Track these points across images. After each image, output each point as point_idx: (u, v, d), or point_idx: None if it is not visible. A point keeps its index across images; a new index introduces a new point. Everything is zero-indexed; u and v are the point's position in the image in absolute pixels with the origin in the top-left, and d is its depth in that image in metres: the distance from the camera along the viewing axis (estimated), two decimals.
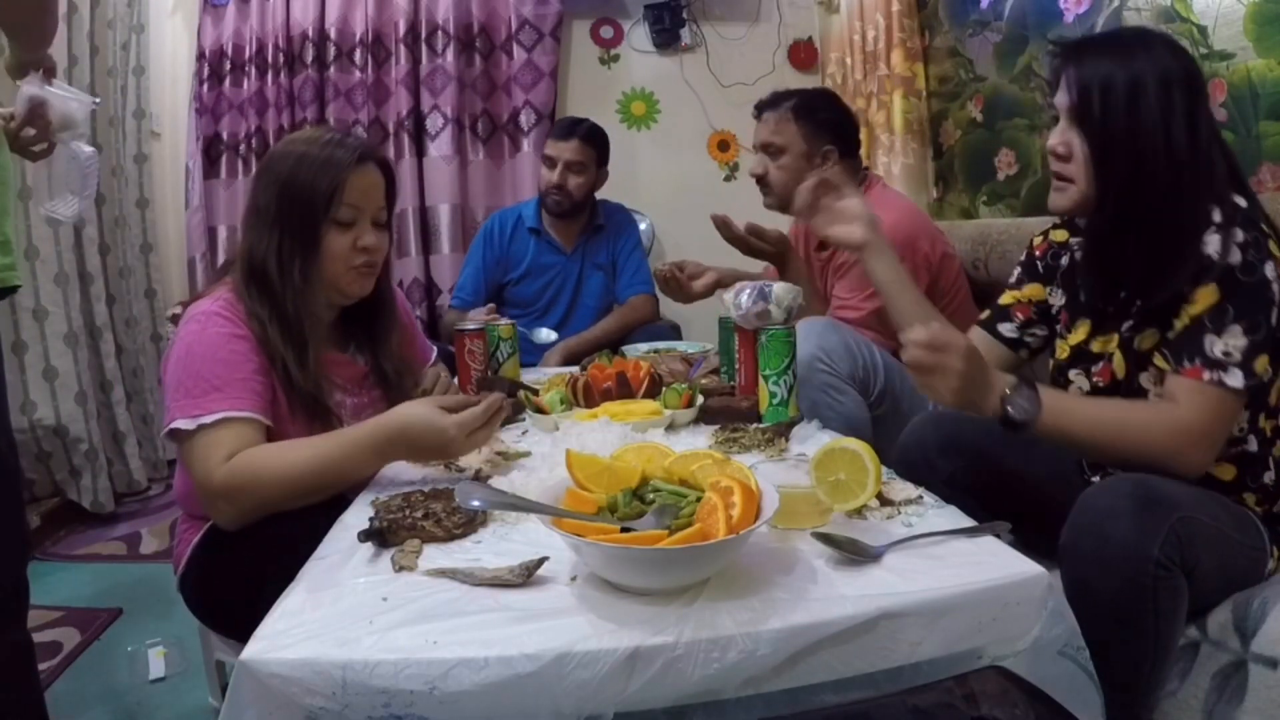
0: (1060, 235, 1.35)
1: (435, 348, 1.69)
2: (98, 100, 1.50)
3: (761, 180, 1.97)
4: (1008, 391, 1.08)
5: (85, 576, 2.19)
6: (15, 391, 2.48)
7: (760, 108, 1.99)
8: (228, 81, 3.25)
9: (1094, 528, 0.96)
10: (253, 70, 3.22)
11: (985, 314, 1.41)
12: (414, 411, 1.10)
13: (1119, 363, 1.17)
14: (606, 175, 2.54)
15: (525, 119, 3.30)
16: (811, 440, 1.23)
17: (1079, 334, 1.24)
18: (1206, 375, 1.03)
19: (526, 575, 0.80)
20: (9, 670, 1.11)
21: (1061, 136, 1.16)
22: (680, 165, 3.49)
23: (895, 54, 2.94)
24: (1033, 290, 1.36)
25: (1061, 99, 1.16)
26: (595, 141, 2.47)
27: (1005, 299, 1.39)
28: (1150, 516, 0.94)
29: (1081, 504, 0.99)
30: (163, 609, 1.91)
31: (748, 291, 1.47)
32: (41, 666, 1.71)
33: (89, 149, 1.48)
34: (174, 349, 1.19)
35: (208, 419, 1.11)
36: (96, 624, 1.90)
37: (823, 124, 1.93)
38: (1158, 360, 1.11)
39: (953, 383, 1.07)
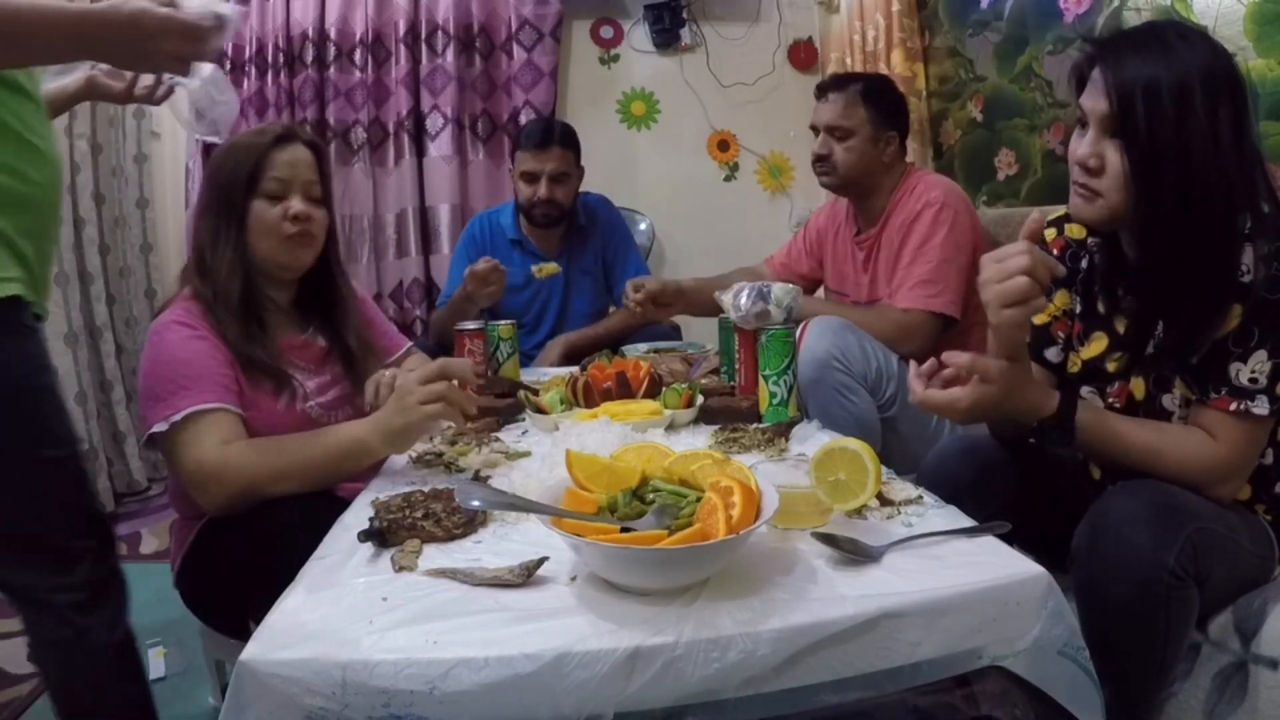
0: (1077, 231, 1.22)
1: (409, 342, 1.66)
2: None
3: (824, 160, 1.94)
4: (1043, 424, 1.06)
5: None
6: None
7: (824, 89, 1.97)
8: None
9: (1111, 532, 0.95)
10: (253, 70, 3.22)
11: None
12: None
13: (1137, 384, 1.12)
14: (583, 172, 2.40)
15: (525, 119, 3.30)
16: (811, 440, 1.23)
17: (1094, 348, 1.17)
18: (1234, 405, 1.00)
19: (526, 575, 0.80)
20: (105, 670, 1.12)
21: (1093, 148, 1.03)
22: (680, 165, 3.49)
23: (895, 54, 2.94)
24: (1061, 299, 1.22)
25: (1094, 104, 1.02)
26: (573, 143, 2.35)
27: (1039, 318, 1.22)
28: (1168, 525, 0.93)
29: (1099, 507, 0.98)
30: (163, 609, 1.91)
31: (747, 292, 1.47)
32: None
33: (206, 70, 1.47)
34: (140, 364, 1.23)
35: (177, 416, 1.14)
36: None
37: (887, 110, 1.93)
38: (1179, 386, 1.07)
39: (960, 418, 1.06)
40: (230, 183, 1.29)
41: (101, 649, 1.10)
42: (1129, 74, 0.99)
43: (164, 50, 0.99)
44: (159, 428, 1.15)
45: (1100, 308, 1.17)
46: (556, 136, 2.30)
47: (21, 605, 1.08)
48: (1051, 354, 1.24)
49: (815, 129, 1.97)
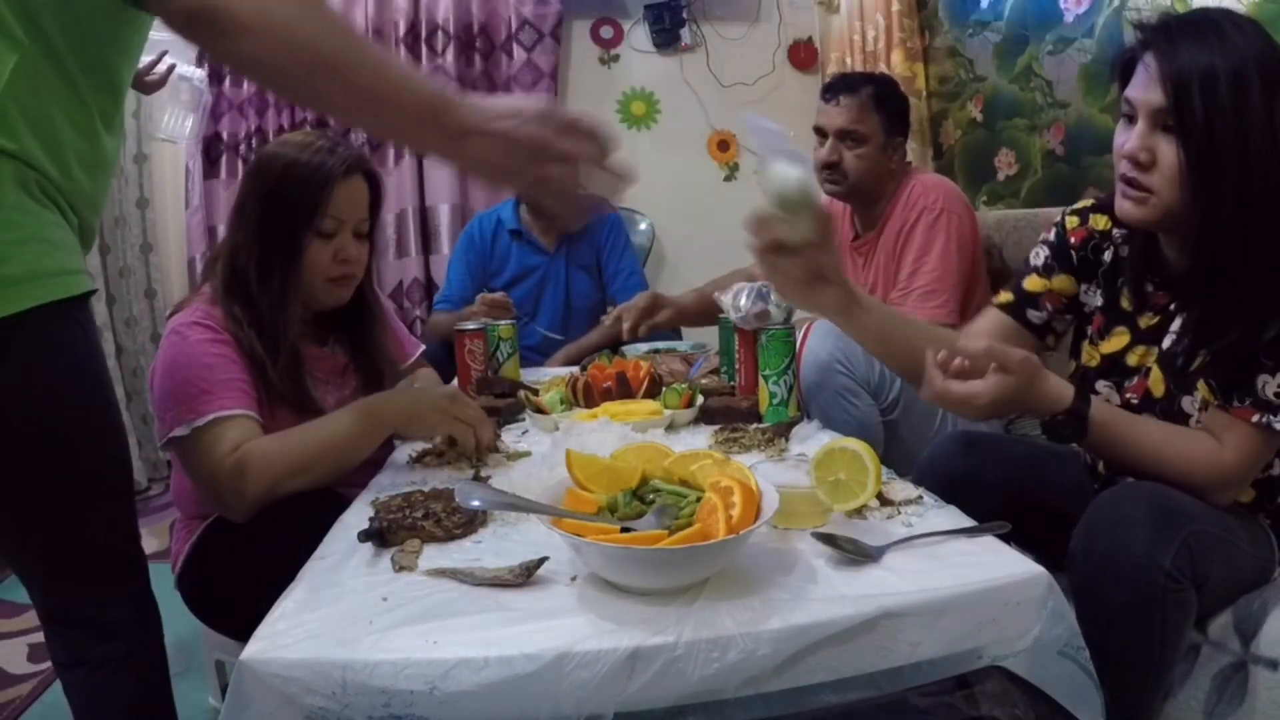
0: (1101, 222, 1.18)
1: (423, 346, 1.68)
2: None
3: (834, 167, 1.88)
4: (1056, 417, 1.04)
5: None
6: None
7: (834, 90, 1.89)
8: (228, 81, 3.25)
9: (1108, 534, 0.95)
10: None
11: (1007, 297, 1.25)
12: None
13: (1156, 380, 1.10)
14: None
15: None
16: (811, 440, 1.23)
17: (1114, 343, 1.15)
18: (1256, 417, 0.98)
19: (526, 575, 0.80)
20: (150, 688, 1.06)
21: (1142, 141, 0.98)
22: (680, 165, 3.49)
23: (895, 54, 2.94)
24: (1063, 283, 1.21)
25: (1145, 95, 0.97)
26: None
27: (1032, 285, 1.22)
28: (1165, 528, 0.93)
29: (1095, 510, 0.98)
30: (162, 609, 1.91)
31: (746, 292, 1.47)
32: (43, 666, 1.72)
33: (199, 75, 1.62)
34: (157, 364, 1.21)
35: (200, 421, 1.13)
36: None
37: (896, 115, 1.90)
38: (1202, 388, 1.04)
39: (979, 414, 1.02)
40: (290, 210, 1.25)
41: (148, 666, 1.04)
42: (1183, 63, 0.94)
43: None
44: (179, 431, 1.13)
45: (1125, 303, 1.15)
46: None
47: (63, 629, 0.98)
48: (1033, 315, 1.23)
49: (821, 132, 1.91)
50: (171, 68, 1.58)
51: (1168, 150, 0.97)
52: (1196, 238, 1.00)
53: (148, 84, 1.57)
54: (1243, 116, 0.92)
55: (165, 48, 1.57)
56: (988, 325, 1.26)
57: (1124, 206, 1.03)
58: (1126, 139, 1.00)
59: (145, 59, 1.56)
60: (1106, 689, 0.86)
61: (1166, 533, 0.92)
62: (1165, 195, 0.98)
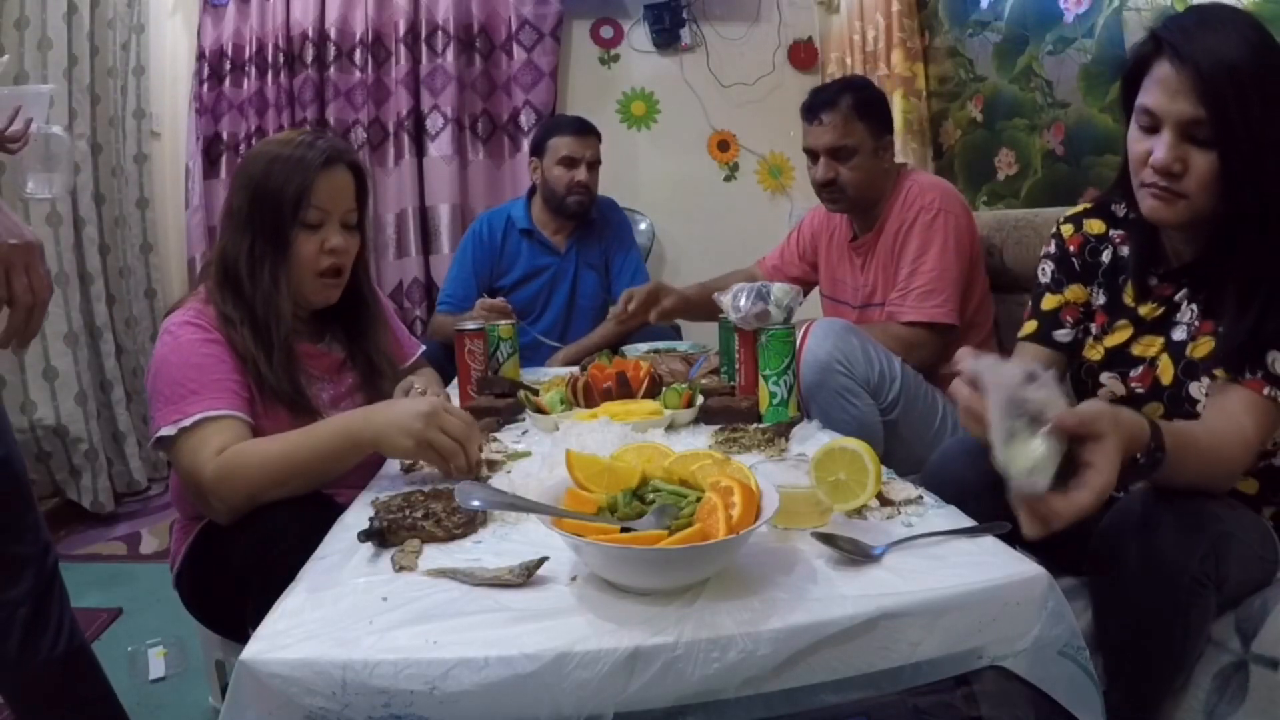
0: (1096, 226, 1.20)
1: (423, 346, 1.68)
2: (53, 87, 1.56)
3: (831, 185, 1.88)
4: (1139, 459, 0.87)
5: (85, 576, 2.19)
6: (15, 392, 2.48)
7: (814, 110, 1.88)
8: (228, 81, 3.25)
9: (1136, 538, 0.94)
10: (253, 70, 3.22)
11: (1032, 326, 1.23)
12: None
13: (1165, 368, 1.09)
14: None
15: (525, 119, 3.30)
16: (811, 440, 1.23)
17: (1118, 336, 1.15)
18: (1266, 390, 0.99)
19: (526, 575, 0.80)
20: (58, 687, 1.07)
21: (1174, 152, 0.97)
22: (680, 165, 3.49)
23: (895, 54, 2.94)
24: (1075, 293, 1.21)
25: (1171, 105, 0.96)
26: (600, 137, 2.50)
27: (1049, 303, 1.23)
28: (1192, 531, 0.92)
29: (1120, 513, 0.98)
30: (163, 609, 1.91)
31: (746, 292, 1.46)
32: None
33: (57, 129, 1.58)
34: (151, 363, 1.22)
35: (187, 422, 1.12)
36: (96, 624, 1.90)
37: (880, 116, 1.90)
38: (1217, 371, 1.04)
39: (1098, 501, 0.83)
40: (275, 205, 1.25)
41: (52, 664, 1.05)
42: (1212, 73, 0.93)
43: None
44: (167, 431, 1.13)
45: (1126, 299, 1.16)
46: (593, 128, 2.46)
47: None
48: (1061, 335, 1.22)
49: (811, 153, 1.91)
50: (29, 123, 1.50)
51: (1201, 159, 0.97)
52: (1228, 234, 1.01)
53: (6, 142, 1.49)
54: (1273, 119, 0.93)
55: (18, 102, 1.50)
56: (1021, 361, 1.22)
57: (1154, 206, 1.02)
58: (1152, 148, 0.99)
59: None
60: (1122, 687, 0.85)
61: (1194, 536, 0.92)
62: (1198, 200, 0.99)
